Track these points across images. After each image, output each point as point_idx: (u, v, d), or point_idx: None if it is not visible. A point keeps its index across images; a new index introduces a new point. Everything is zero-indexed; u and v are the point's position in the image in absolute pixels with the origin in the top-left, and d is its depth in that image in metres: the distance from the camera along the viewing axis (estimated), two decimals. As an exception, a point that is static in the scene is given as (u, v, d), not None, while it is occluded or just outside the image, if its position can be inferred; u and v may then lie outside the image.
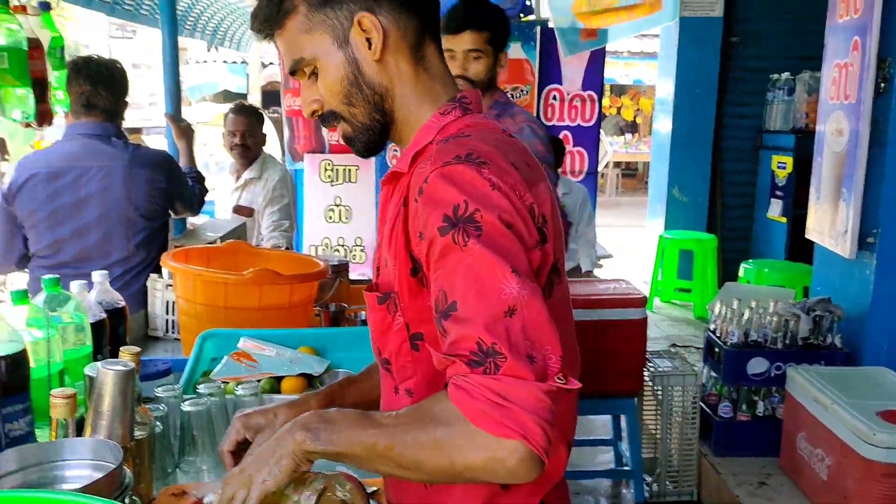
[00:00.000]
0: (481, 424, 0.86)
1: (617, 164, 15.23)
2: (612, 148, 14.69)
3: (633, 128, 16.70)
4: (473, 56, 2.30)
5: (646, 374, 3.42)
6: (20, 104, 1.83)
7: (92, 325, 1.69)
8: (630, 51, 14.48)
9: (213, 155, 8.65)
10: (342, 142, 1.15)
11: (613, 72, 15.08)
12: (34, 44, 1.88)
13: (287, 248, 3.52)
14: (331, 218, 5.54)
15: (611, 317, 3.09)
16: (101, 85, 2.54)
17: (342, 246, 5.58)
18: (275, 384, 1.83)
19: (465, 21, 2.31)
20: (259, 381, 1.78)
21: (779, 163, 6.03)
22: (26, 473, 1.01)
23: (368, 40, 1.06)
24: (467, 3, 2.36)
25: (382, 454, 0.94)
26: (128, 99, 2.69)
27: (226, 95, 13.53)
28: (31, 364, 1.45)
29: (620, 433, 3.68)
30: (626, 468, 3.58)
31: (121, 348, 1.38)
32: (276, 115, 11.66)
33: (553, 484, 1.12)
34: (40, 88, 1.92)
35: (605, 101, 16.29)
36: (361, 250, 5.59)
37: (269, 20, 1.09)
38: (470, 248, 0.91)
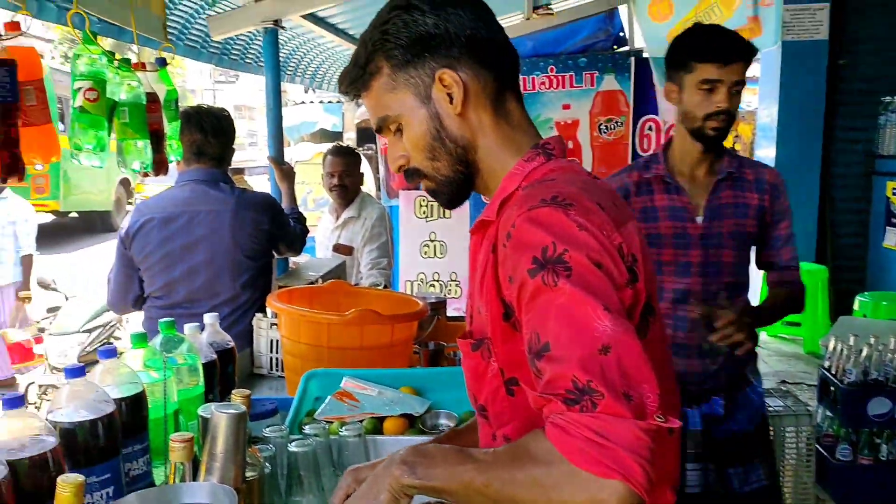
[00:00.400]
0: (580, 463, 0.84)
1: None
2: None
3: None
4: (736, 89, 2.07)
5: (756, 413, 3.26)
6: (139, 156, 1.93)
7: (203, 365, 1.75)
8: (727, 76, 14.10)
9: (310, 192, 8.92)
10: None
11: (710, 98, 14.73)
12: (152, 98, 2.00)
13: (385, 286, 3.57)
14: (426, 253, 5.60)
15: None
16: (210, 133, 2.67)
17: (437, 281, 5.62)
18: (377, 424, 1.84)
19: (737, 51, 2.07)
20: (362, 421, 1.79)
21: (894, 189, 5.71)
22: (148, 517, 1.04)
23: (450, 95, 1.10)
24: (729, 32, 2.14)
25: (479, 490, 0.93)
26: (234, 146, 2.81)
27: (322, 134, 13.99)
28: (148, 405, 1.51)
29: (729, 476, 3.51)
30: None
31: (233, 391, 1.42)
32: (370, 151, 11.98)
33: None
34: (157, 140, 2.02)
35: (703, 128, 15.96)
36: (457, 285, 5.62)
37: (355, 83, 1.15)
38: (560, 288, 0.91)
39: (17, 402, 1.21)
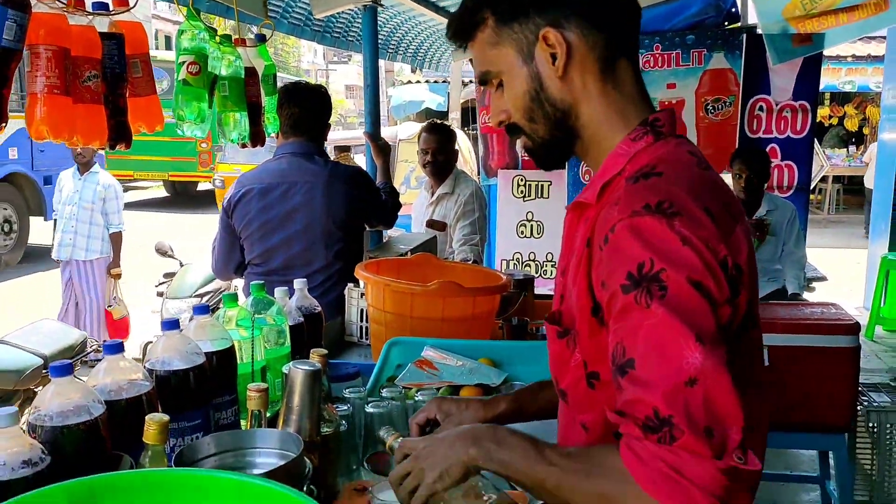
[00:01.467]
0: (651, 492, 0.86)
1: (837, 179, 13.98)
2: (832, 161, 13.52)
3: (858, 139, 15.27)
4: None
5: (860, 408, 3.12)
6: (237, 127, 2.04)
7: (291, 327, 1.84)
8: (854, 55, 13.26)
9: (413, 170, 9.05)
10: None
11: (834, 78, 13.91)
12: (250, 72, 2.09)
13: (475, 262, 3.61)
14: (522, 233, 5.60)
15: (815, 343, 2.85)
16: (307, 108, 2.76)
17: (533, 261, 5.62)
18: (453, 392, 1.88)
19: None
20: (438, 388, 1.84)
21: None
22: (223, 457, 1.13)
23: (553, 56, 1.04)
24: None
25: (550, 491, 0.97)
26: (329, 121, 2.90)
27: (427, 113, 14.13)
28: (238, 360, 1.61)
29: (829, 471, 3.37)
30: (834, 510, 3.27)
31: (311, 350, 1.49)
32: (474, 131, 12.01)
33: None
34: (254, 112, 2.12)
35: (825, 111, 15.08)
36: (552, 265, 5.59)
37: (459, 32, 1.13)
38: (653, 311, 0.88)
39: (118, 348, 1.32)
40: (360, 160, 8.27)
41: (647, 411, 0.87)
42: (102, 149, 1.69)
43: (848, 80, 14.24)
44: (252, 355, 1.66)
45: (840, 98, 15.27)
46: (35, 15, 1.37)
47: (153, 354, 1.44)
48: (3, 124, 1.35)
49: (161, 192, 16.91)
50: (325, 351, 1.51)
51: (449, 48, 6.67)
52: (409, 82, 15.12)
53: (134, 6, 1.64)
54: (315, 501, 0.86)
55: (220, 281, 4.86)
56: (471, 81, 13.45)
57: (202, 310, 1.58)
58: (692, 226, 0.91)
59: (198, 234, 9.67)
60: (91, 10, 1.52)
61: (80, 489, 0.85)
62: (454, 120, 12.86)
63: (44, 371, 3.88)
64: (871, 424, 3.11)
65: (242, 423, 1.62)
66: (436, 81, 14.05)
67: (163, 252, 5.03)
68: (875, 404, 3.09)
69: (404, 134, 9.42)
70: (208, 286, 4.79)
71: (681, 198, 0.93)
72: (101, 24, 1.56)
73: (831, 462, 3.27)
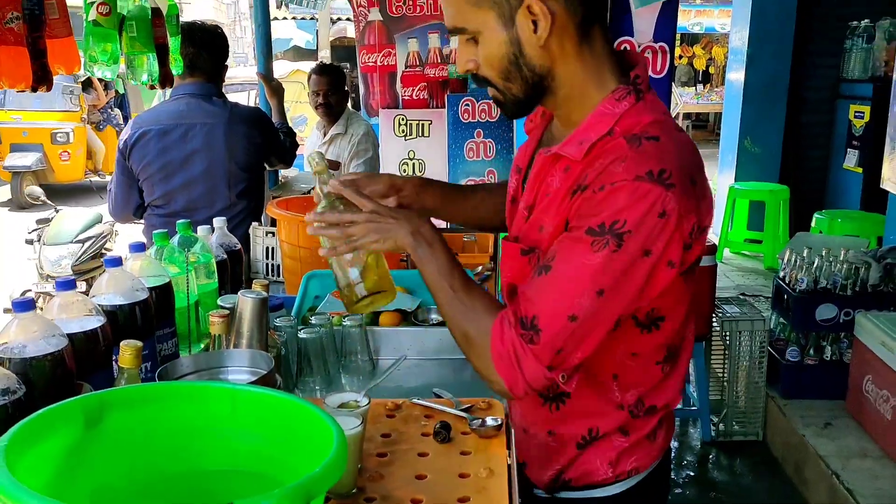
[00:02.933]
0: (494, 360, 1.14)
1: (687, 116, 14.95)
2: (683, 99, 14.43)
3: (705, 77, 16.32)
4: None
5: (714, 320, 3.53)
6: (147, 69, 2.05)
7: (216, 263, 1.92)
8: (702, -2, 14.08)
9: (288, 111, 8.91)
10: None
11: (685, 20, 14.73)
12: (156, 13, 2.09)
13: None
14: (405, 171, 5.73)
15: (681, 263, 3.19)
16: (204, 48, 2.75)
17: (416, 198, 5.78)
18: (373, 318, 2.03)
19: None
20: (360, 315, 1.98)
21: (856, 112, 5.93)
22: (199, 375, 1.24)
23: (535, 23, 1.09)
24: None
25: (438, 301, 1.24)
26: (227, 63, 2.90)
27: (297, 52, 13.82)
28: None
29: (688, 376, 3.82)
30: (693, 409, 3.72)
31: (253, 281, 1.60)
32: (345, 69, 11.88)
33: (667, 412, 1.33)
34: (162, 53, 2.13)
35: (676, 51, 15.97)
36: (435, 202, 5.78)
37: None
38: (593, 256, 1.05)
39: (70, 285, 1.38)
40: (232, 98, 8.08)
41: (530, 313, 1.10)
42: None
43: (697, 21, 15.14)
44: (187, 290, 1.74)
45: (689, 39, 16.20)
46: (-44, -45, 1.35)
47: (98, 290, 1.50)
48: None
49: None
50: (267, 282, 1.62)
51: (326, -14, 6.58)
52: (276, 19, 14.64)
53: (47, -55, 1.62)
54: (303, 400, 1.00)
55: (101, 226, 4.73)
56: (339, 18, 13.25)
57: (138, 247, 1.64)
58: (679, 198, 1.05)
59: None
60: (7, -50, 1.51)
61: (92, 402, 0.95)
62: (324, 58, 12.66)
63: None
64: (724, 333, 3.54)
65: (182, 352, 1.71)
66: (303, 18, 13.70)
67: (34, 198, 4.80)
68: (728, 315, 3.52)
69: (277, 73, 9.19)
70: (88, 231, 4.64)
71: (677, 169, 1.06)
72: (18, -35, 1.55)
73: (691, 368, 3.71)
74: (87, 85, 10.73)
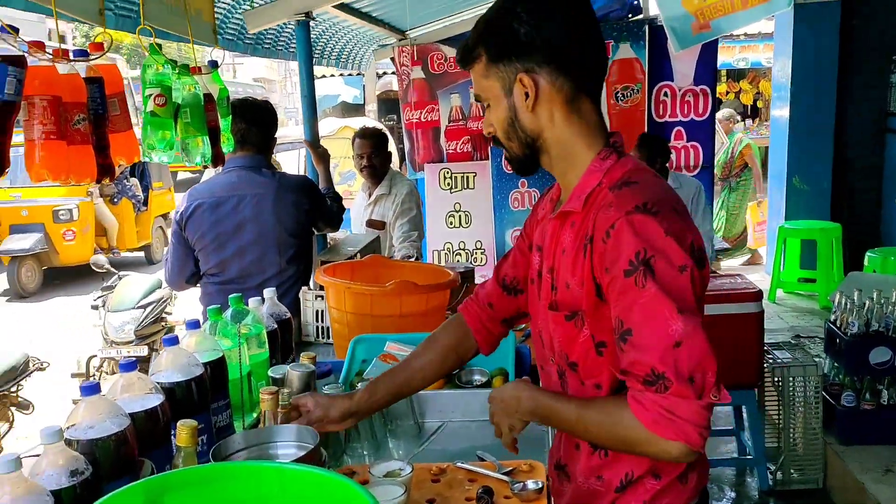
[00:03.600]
0: (655, 430, 1.18)
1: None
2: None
3: (753, 112, 16.16)
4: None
5: (766, 365, 3.49)
6: (200, 150, 2.18)
7: (267, 333, 2.02)
8: (746, 33, 13.98)
9: (336, 166, 9.14)
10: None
11: (729, 56, 14.67)
12: (208, 98, 2.23)
13: (416, 257, 3.82)
14: (451, 223, 5.84)
15: (727, 311, 3.19)
16: (254, 124, 2.91)
17: (463, 250, 5.87)
18: (419, 381, 2.09)
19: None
20: (406, 378, 2.05)
21: (906, 145, 5.84)
22: (250, 451, 1.31)
23: (526, 94, 1.31)
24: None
25: (585, 438, 1.34)
26: (276, 136, 3.05)
27: (345, 107, 14.19)
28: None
29: (742, 423, 3.76)
30: (749, 457, 3.66)
31: (302, 353, 1.68)
32: (391, 122, 12.16)
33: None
34: (214, 135, 2.27)
35: (722, 87, 15.88)
36: (482, 253, 5.86)
37: (461, 61, 1.39)
38: (647, 290, 1.17)
39: (132, 366, 1.48)
40: (281, 159, 8.34)
41: (646, 370, 1.17)
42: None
43: (742, 56, 15.05)
44: (239, 362, 1.83)
45: (735, 74, 16.11)
46: (30, 68, 1.50)
47: (157, 368, 1.60)
48: (6, 169, 1.48)
49: None
50: (314, 354, 1.71)
51: (370, 48, 6.80)
52: (323, 77, 15.11)
53: (108, 51, 1.77)
54: (345, 477, 1.06)
55: (160, 292, 4.93)
56: (384, 73, 13.60)
57: (193, 324, 1.74)
58: (668, 220, 1.20)
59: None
60: (73, 58, 1.65)
61: (154, 485, 1.03)
62: (370, 112, 12.99)
63: (-10, 392, 3.90)
64: (776, 379, 3.50)
65: (235, 424, 1.79)
66: (350, 74, 14.09)
67: (99, 266, 5.04)
68: (778, 361, 3.48)
69: (324, 130, 9.47)
70: (149, 297, 4.84)
71: (659, 199, 1.23)
72: (82, 70, 1.69)
73: (744, 416, 3.65)
74: None
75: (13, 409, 4.13)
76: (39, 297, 9.19)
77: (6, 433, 4.04)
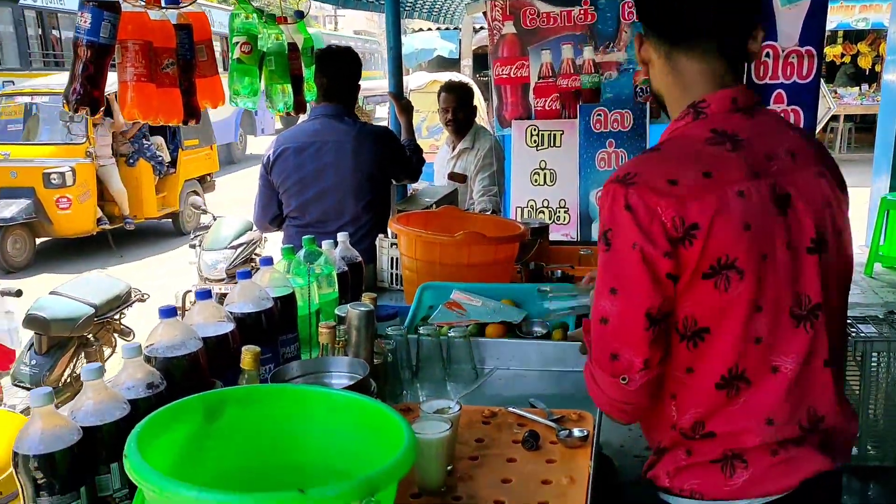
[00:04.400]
0: (588, 389, 1.35)
1: (849, 118, 14.01)
2: (845, 100, 13.54)
3: (871, 77, 15.21)
4: None
5: (848, 339, 3.38)
6: (283, 98, 2.28)
7: (337, 275, 2.12)
8: (867, -9, 13.14)
9: (424, 120, 9.20)
10: None
11: (848, 16, 13.81)
12: (292, 48, 2.32)
13: (494, 212, 3.86)
14: (536, 181, 5.81)
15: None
16: (335, 78, 2.95)
17: (546, 208, 5.84)
18: (480, 329, 2.16)
19: None
20: (467, 326, 2.12)
21: None
22: (306, 378, 1.41)
23: (648, 57, 1.42)
24: None
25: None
26: (359, 84, 3.12)
27: (439, 62, 14.21)
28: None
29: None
30: (824, 432, 3.56)
31: (363, 294, 1.77)
32: (485, 78, 12.09)
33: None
34: (297, 83, 2.36)
35: (837, 49, 15.00)
36: (566, 212, 5.82)
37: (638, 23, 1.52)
38: (600, 261, 1.27)
39: (207, 294, 1.60)
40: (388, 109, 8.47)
41: (587, 339, 1.34)
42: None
43: (862, 17, 14.12)
44: (308, 299, 1.93)
45: (853, 36, 15.16)
46: (123, 14, 1.61)
47: (230, 300, 1.72)
48: (101, 109, 1.61)
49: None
50: (375, 295, 1.79)
51: (463, 2, 6.78)
52: (420, 30, 15.14)
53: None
54: (380, 401, 1.14)
55: (252, 233, 5.16)
56: (481, 28, 13.49)
57: (267, 261, 1.85)
58: (642, 192, 1.22)
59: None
60: (164, 5, 1.76)
61: (211, 399, 1.14)
62: (466, 67, 12.95)
63: (95, 319, 4.21)
64: (857, 354, 3.38)
65: (303, 356, 1.91)
66: (447, 28, 14.05)
67: (197, 207, 5.32)
68: (862, 335, 3.36)
69: (414, 84, 9.53)
70: (241, 238, 5.08)
71: (648, 170, 1.25)
72: (173, 17, 1.80)
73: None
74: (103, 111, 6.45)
75: (116, 335, 4.46)
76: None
77: (109, 356, 4.37)
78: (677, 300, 1.23)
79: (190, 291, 4.72)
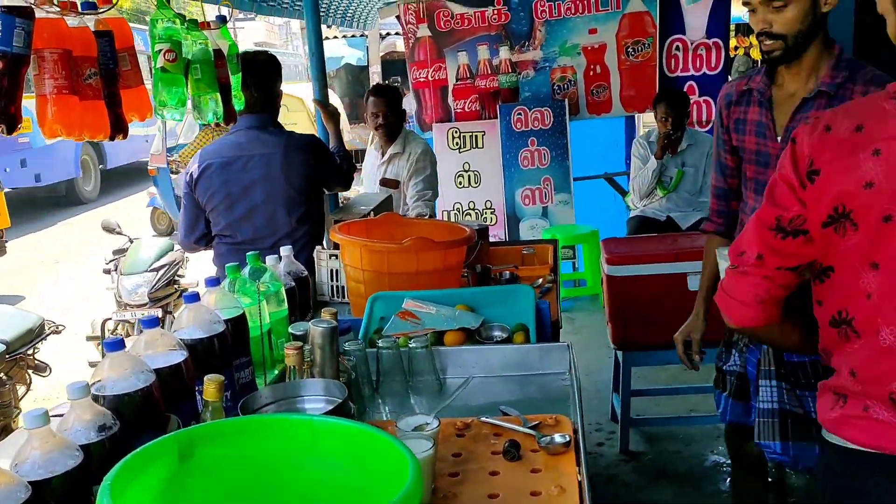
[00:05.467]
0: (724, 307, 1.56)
1: (745, 108, 14.62)
2: (740, 91, 14.14)
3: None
4: (775, 5, 1.88)
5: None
6: (212, 108, 2.14)
7: (285, 291, 2.00)
8: (756, -14, 13.75)
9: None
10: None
11: (740, 10, 14.43)
12: (218, 54, 2.19)
13: (430, 216, 3.79)
14: (461, 184, 5.80)
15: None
16: (254, 87, 2.80)
17: (473, 209, 5.83)
18: (438, 337, 2.08)
19: None
20: (425, 335, 2.04)
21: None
22: (279, 405, 1.30)
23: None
24: None
25: None
26: (280, 90, 2.99)
27: (348, 70, 14.05)
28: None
29: None
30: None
31: (322, 310, 1.66)
32: (395, 83, 12.05)
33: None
34: (225, 93, 2.23)
35: (732, 42, 15.66)
36: (492, 213, 5.82)
37: None
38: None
39: (154, 322, 1.47)
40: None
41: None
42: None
43: (751, 11, 14.77)
44: (260, 319, 1.81)
45: (744, 29, 15.87)
46: (38, 21, 1.46)
47: (179, 325, 1.59)
48: (19, 126, 1.45)
49: None
50: (335, 310, 1.69)
51: (375, 6, 6.69)
52: (326, 38, 14.94)
53: (116, 4, 1.73)
54: (378, 429, 1.05)
55: (173, 254, 4.92)
56: (387, 34, 13.42)
57: (213, 282, 1.72)
58: (811, 139, 1.33)
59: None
60: (81, 11, 1.61)
61: (183, 438, 1.02)
62: (374, 74, 12.85)
63: (7, 356, 3.91)
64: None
65: (258, 380, 1.79)
66: (353, 36, 13.93)
67: (110, 229, 5.03)
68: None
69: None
70: (162, 259, 4.83)
71: (830, 118, 1.35)
72: (91, 23, 1.65)
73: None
74: None
75: (30, 371, 4.16)
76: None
77: (24, 395, 4.07)
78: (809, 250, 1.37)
79: (109, 319, 4.45)
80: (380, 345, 1.88)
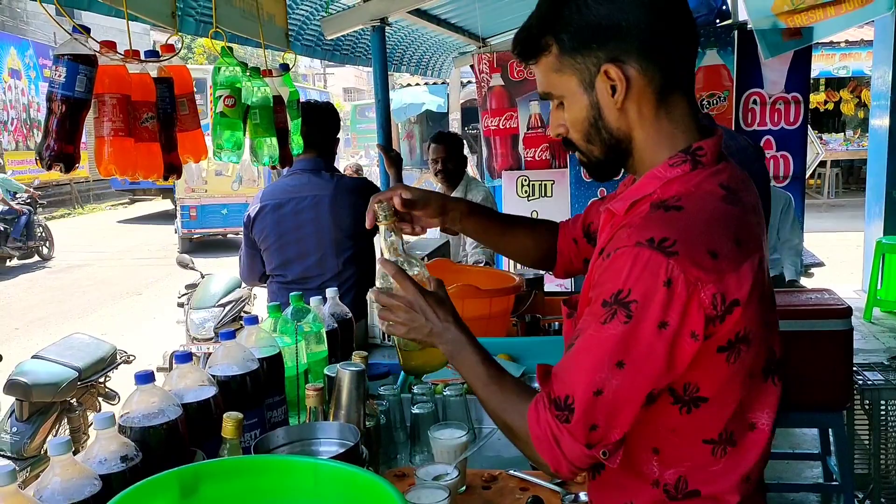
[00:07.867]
0: (535, 444, 1.13)
1: (836, 164, 14.14)
2: (830, 146, 13.69)
3: (855, 123, 15.42)
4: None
5: (855, 387, 3.29)
6: (269, 151, 2.22)
7: (327, 333, 2.03)
8: (848, 40, 13.39)
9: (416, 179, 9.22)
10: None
11: (828, 64, 14.05)
12: (277, 100, 2.27)
13: (488, 264, 3.79)
14: (529, 232, 5.77)
15: (811, 328, 3.02)
16: (314, 126, 2.93)
17: (539, 258, 5.79)
18: (477, 386, 2.06)
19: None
20: (463, 383, 2.02)
21: None
22: (292, 447, 1.31)
23: (613, 88, 1.11)
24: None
25: (477, 396, 1.27)
26: (337, 136, 3.08)
27: (428, 115, 14.33)
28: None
29: (829, 448, 3.55)
30: (835, 483, 3.44)
31: (353, 352, 1.68)
32: (474, 131, 12.19)
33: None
34: (282, 136, 2.31)
35: (821, 97, 15.22)
36: (558, 262, 5.76)
37: (524, 53, 1.20)
38: (606, 329, 1.05)
39: (187, 358, 1.51)
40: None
41: (562, 392, 1.09)
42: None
43: (842, 65, 14.37)
44: (297, 359, 1.84)
45: (835, 83, 15.41)
46: (100, 67, 1.55)
47: (214, 362, 1.63)
48: (77, 166, 1.54)
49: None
50: (366, 353, 1.70)
51: (450, 56, 6.84)
52: (409, 85, 15.31)
53: (178, 52, 1.82)
54: (375, 475, 1.04)
55: (240, 291, 5.07)
56: (469, 82, 13.64)
57: (251, 321, 1.77)
58: (685, 265, 1.02)
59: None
60: (144, 58, 1.71)
61: (187, 474, 1.04)
62: (454, 120, 13.05)
63: (79, 383, 4.08)
64: (865, 402, 3.29)
65: (291, 420, 1.81)
66: (434, 83, 14.22)
67: (184, 265, 5.22)
68: (869, 383, 3.27)
69: (407, 137, 9.56)
70: (229, 295, 4.98)
71: (688, 238, 1.04)
72: (153, 70, 1.75)
73: (832, 439, 3.44)
74: None
75: (100, 398, 4.32)
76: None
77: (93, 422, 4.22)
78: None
79: (175, 351, 4.60)
80: (414, 391, 1.88)
